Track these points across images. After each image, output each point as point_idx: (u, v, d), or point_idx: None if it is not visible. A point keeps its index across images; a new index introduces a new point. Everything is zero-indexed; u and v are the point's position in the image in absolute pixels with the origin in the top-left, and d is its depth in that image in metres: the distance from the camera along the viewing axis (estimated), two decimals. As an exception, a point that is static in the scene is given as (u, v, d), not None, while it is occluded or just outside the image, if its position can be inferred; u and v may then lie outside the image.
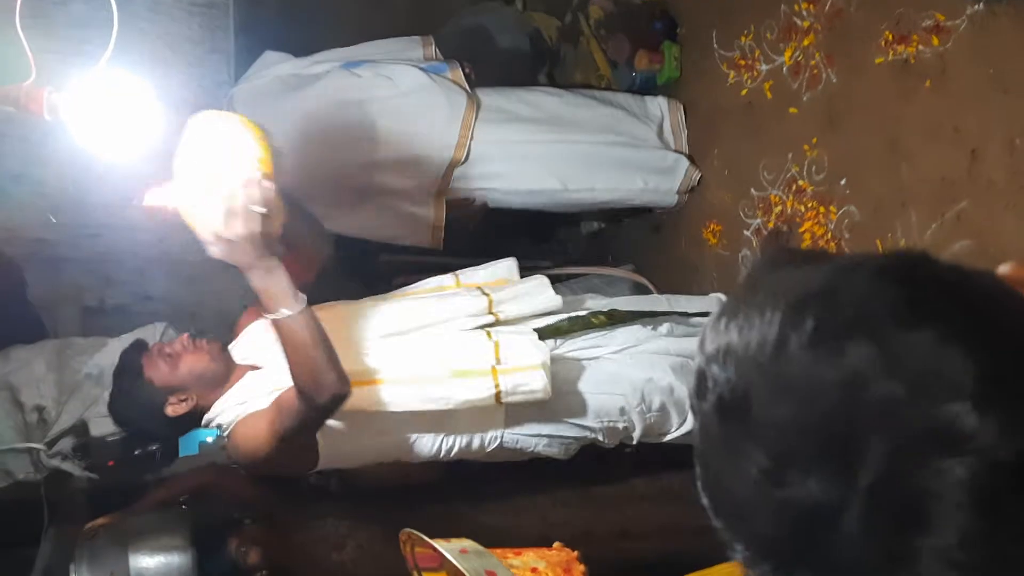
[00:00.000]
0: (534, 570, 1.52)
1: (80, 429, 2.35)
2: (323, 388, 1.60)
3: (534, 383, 1.88)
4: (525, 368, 1.88)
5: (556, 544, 1.60)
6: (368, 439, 1.91)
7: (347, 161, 2.54)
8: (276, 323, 1.56)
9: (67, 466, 2.32)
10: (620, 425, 2.08)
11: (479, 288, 2.04)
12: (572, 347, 2.07)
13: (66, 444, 2.35)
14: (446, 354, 1.89)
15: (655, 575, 2.15)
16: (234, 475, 2.53)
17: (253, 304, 1.94)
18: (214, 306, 2.33)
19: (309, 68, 2.62)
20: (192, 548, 1.94)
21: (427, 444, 1.98)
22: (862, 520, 0.50)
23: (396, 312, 1.97)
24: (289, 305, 1.55)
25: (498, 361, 1.88)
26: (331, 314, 1.84)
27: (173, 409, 1.82)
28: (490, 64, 3.07)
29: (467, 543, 1.51)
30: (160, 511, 2.10)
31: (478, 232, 2.75)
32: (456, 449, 1.99)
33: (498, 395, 1.88)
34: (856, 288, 0.54)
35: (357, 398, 1.72)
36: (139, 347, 1.88)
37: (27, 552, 2.30)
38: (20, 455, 2.32)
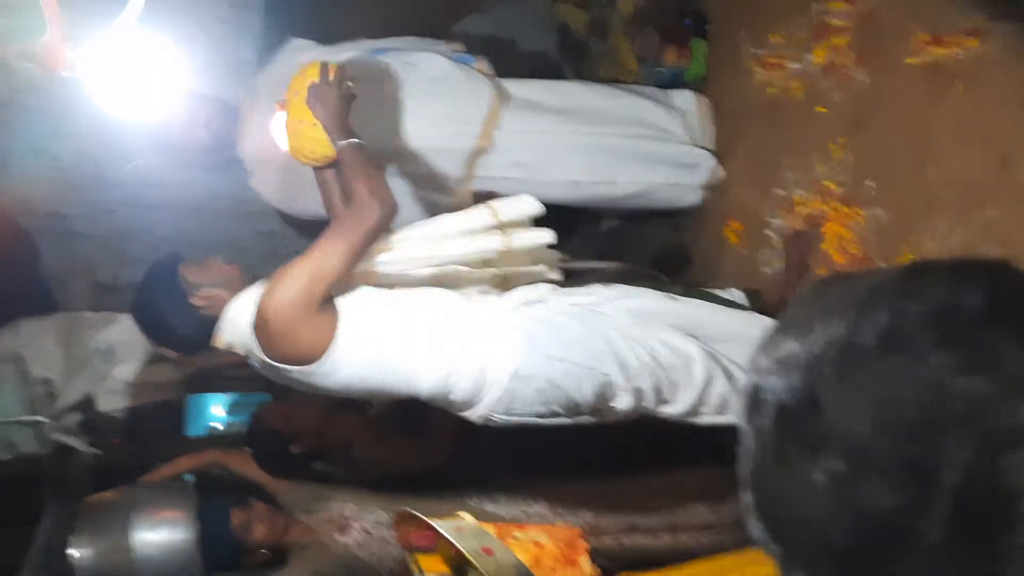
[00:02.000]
0: (538, 544, 1.50)
1: (87, 404, 2.34)
2: (382, 197, 1.86)
3: (528, 202, 2.10)
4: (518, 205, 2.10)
5: (560, 522, 1.57)
6: (385, 343, 1.86)
7: (370, 148, 2.52)
8: (345, 150, 1.93)
9: (72, 441, 2.30)
10: (631, 360, 1.99)
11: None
12: (573, 291, 2.12)
13: (72, 419, 2.34)
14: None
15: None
16: (239, 455, 2.52)
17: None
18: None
19: (334, 56, 2.60)
20: (195, 523, 1.92)
21: (441, 360, 1.89)
22: (946, 522, 0.48)
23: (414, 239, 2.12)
24: (353, 135, 1.97)
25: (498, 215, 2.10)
26: None
27: (199, 300, 1.89)
28: (516, 57, 3.05)
29: (465, 521, 1.48)
30: (163, 485, 2.08)
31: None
32: (472, 370, 1.89)
33: (497, 220, 2.06)
34: (932, 286, 0.52)
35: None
36: (174, 256, 2.01)
37: (28, 529, 2.28)
38: (25, 428, 2.31)
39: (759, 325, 2.22)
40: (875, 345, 0.51)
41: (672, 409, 2.10)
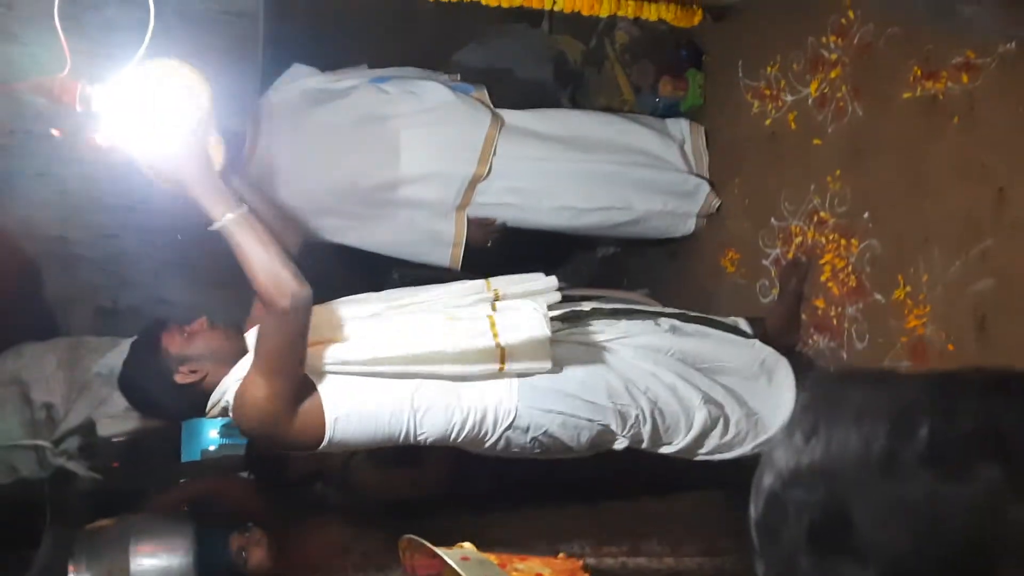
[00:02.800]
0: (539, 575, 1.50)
1: (87, 428, 2.35)
2: (283, 287, 1.66)
3: (532, 323, 1.87)
4: (522, 311, 1.90)
5: (561, 554, 1.58)
6: (375, 406, 1.86)
7: (370, 175, 2.55)
8: (224, 231, 1.65)
9: (72, 465, 2.31)
10: (632, 412, 2.02)
11: (485, 280, 2.09)
12: (575, 331, 2.08)
13: (72, 443, 2.35)
14: (443, 315, 1.92)
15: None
16: (237, 483, 2.53)
17: None
18: (229, 312, 2.32)
19: (336, 83, 2.63)
20: (193, 550, 1.93)
21: (439, 418, 1.92)
22: None
23: (398, 293, 2.03)
24: (232, 208, 1.65)
25: (494, 309, 1.92)
26: (330, 307, 1.93)
27: (182, 377, 1.85)
28: (513, 86, 3.09)
29: (468, 550, 1.49)
30: (161, 512, 2.08)
31: (494, 253, 2.74)
32: (470, 424, 1.93)
33: (496, 337, 1.86)
34: (972, 401, 0.52)
35: (351, 350, 1.81)
36: (159, 323, 1.94)
37: (27, 552, 2.28)
38: (26, 452, 2.31)
39: (760, 357, 2.25)
40: (915, 462, 0.50)
41: (669, 449, 2.13)
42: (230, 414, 1.87)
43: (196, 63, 2.76)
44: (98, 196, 2.74)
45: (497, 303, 1.99)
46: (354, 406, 1.84)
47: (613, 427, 2.03)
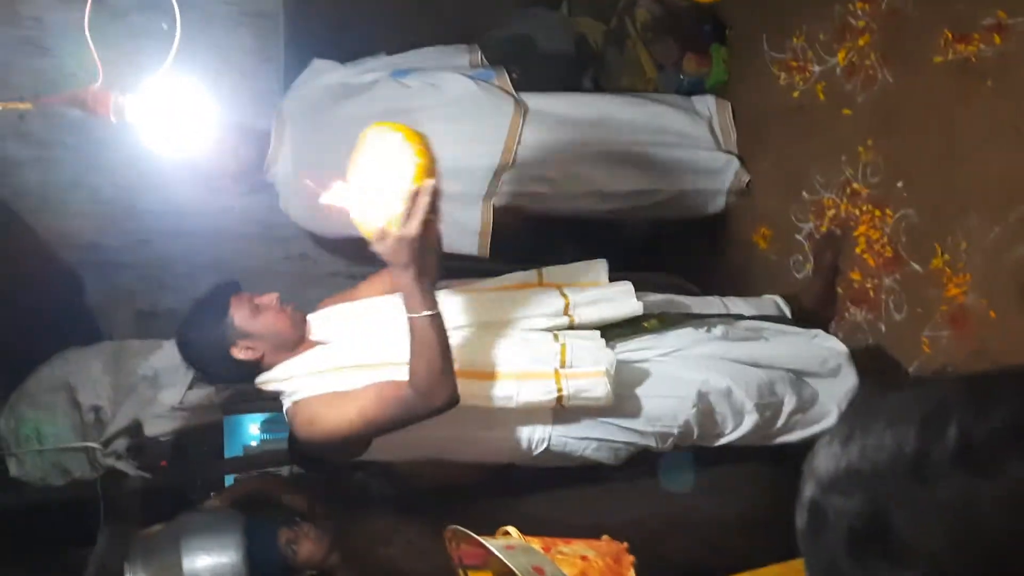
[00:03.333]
0: (583, 558, 1.51)
1: (135, 429, 2.40)
2: (438, 391, 1.71)
3: (597, 390, 1.90)
4: (590, 375, 1.90)
5: (605, 536, 1.59)
6: (417, 431, 1.90)
7: None
8: (413, 321, 1.68)
9: (122, 465, 2.36)
10: (674, 430, 2.04)
11: (558, 288, 2.04)
12: (623, 349, 2.04)
13: (121, 444, 2.40)
14: (512, 354, 1.91)
15: (703, 569, 2.14)
16: (282, 483, 2.57)
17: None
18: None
19: (358, 77, 2.63)
20: (243, 546, 1.96)
21: (474, 448, 1.97)
22: None
23: (471, 304, 1.98)
24: (430, 307, 1.67)
25: (563, 365, 1.90)
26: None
27: (240, 352, 1.86)
28: (535, 70, 3.07)
29: (513, 535, 1.50)
30: (212, 510, 2.12)
31: (523, 238, 2.74)
32: (506, 451, 1.98)
33: (560, 399, 1.89)
34: (1003, 400, 0.52)
35: None
36: (233, 285, 1.95)
37: (82, 551, 2.35)
38: (77, 454, 2.37)
39: (821, 356, 2.20)
40: (947, 461, 0.50)
41: (715, 443, 2.13)
42: (284, 402, 1.88)
43: (220, 66, 2.80)
44: (131, 203, 2.79)
45: (565, 336, 1.95)
46: (403, 435, 1.86)
47: (653, 445, 2.05)
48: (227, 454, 2.75)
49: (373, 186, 1.67)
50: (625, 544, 1.51)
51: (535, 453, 1.99)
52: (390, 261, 1.65)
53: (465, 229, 2.61)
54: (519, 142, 2.53)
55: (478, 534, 1.51)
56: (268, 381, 1.90)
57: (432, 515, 2.38)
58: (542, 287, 2.05)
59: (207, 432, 2.65)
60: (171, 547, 1.94)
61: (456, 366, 1.82)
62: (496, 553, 1.39)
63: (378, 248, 1.65)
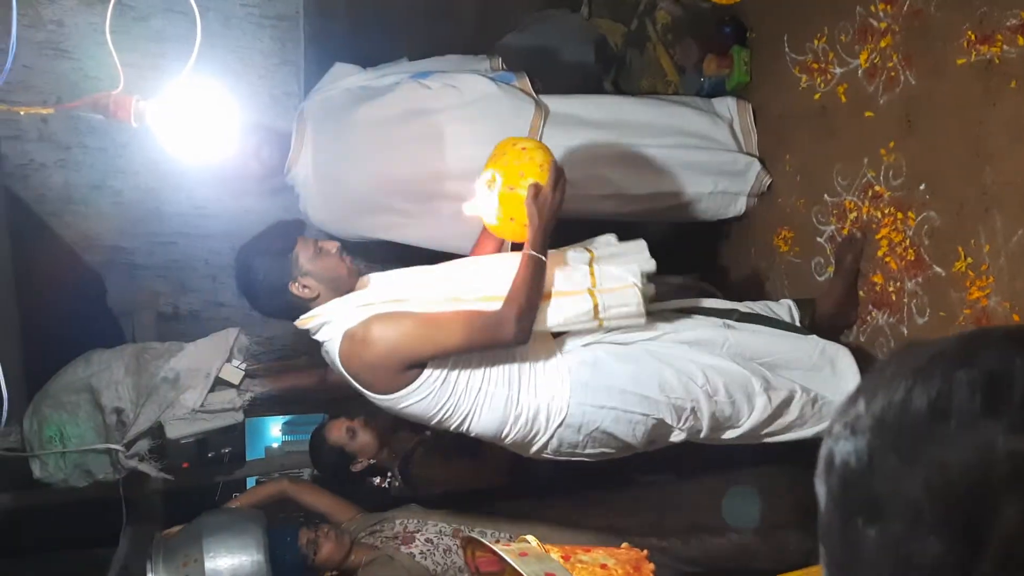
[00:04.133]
0: (603, 567, 1.51)
1: (157, 431, 2.41)
2: (521, 325, 1.85)
3: (628, 298, 1.99)
4: (620, 288, 2.00)
5: (624, 544, 1.59)
6: (455, 376, 1.91)
7: (415, 171, 2.56)
8: (532, 258, 1.88)
9: (144, 467, 2.37)
10: (687, 405, 2.03)
11: (583, 246, 2.13)
12: (639, 330, 2.08)
13: (143, 446, 2.41)
14: (548, 279, 2.00)
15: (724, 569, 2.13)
16: (305, 486, 2.58)
17: None
18: (267, 325, 2.38)
19: (379, 80, 2.64)
20: (265, 546, 1.97)
21: (497, 407, 1.95)
22: (995, 570, 0.50)
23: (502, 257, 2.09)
24: (543, 251, 1.91)
25: (594, 284, 2.00)
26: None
27: (297, 288, 1.92)
28: (555, 73, 3.06)
29: (530, 545, 1.50)
30: (234, 511, 2.13)
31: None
32: (523, 421, 1.96)
33: (596, 310, 1.97)
34: (985, 353, 0.54)
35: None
36: (299, 225, 2.05)
37: (106, 551, 2.36)
38: (100, 456, 2.39)
39: (819, 347, 2.21)
40: (926, 411, 0.53)
41: (730, 435, 2.12)
42: (332, 337, 1.90)
43: (240, 68, 2.82)
44: (153, 205, 2.81)
45: (597, 267, 2.05)
46: (446, 370, 1.90)
47: (668, 420, 2.03)
48: (249, 456, 2.75)
49: (516, 171, 1.92)
50: (645, 552, 1.50)
51: (554, 424, 1.98)
52: (537, 213, 1.88)
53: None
54: None
55: (492, 541, 1.51)
56: (315, 315, 1.92)
57: (453, 516, 2.39)
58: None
59: (229, 434, 2.66)
60: (193, 548, 1.95)
61: (498, 293, 1.91)
62: (510, 561, 1.39)
63: (530, 204, 1.88)
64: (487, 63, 2.75)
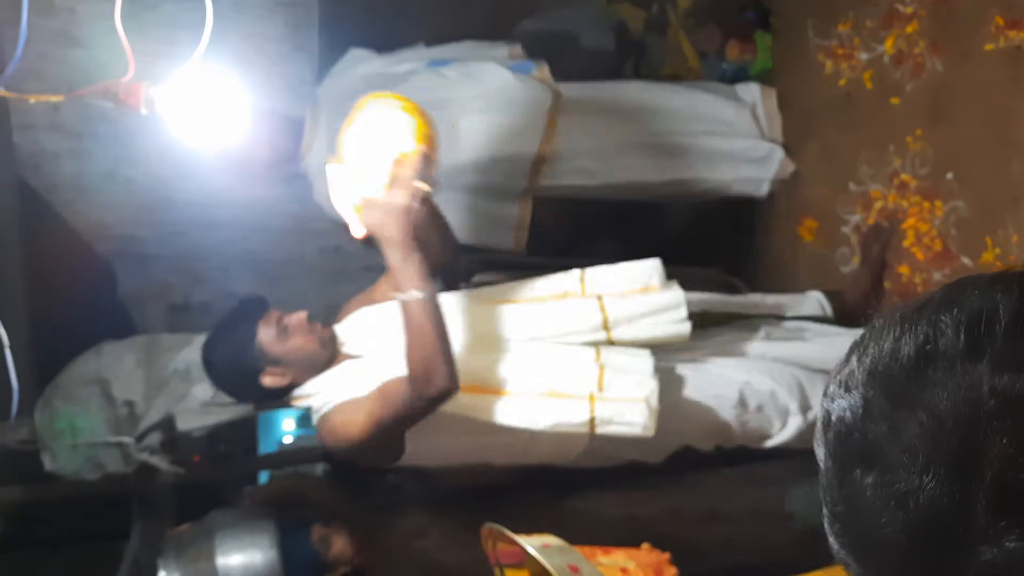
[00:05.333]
0: (624, 570, 1.47)
1: (167, 424, 2.39)
2: (434, 379, 1.62)
3: (634, 416, 1.79)
4: (627, 399, 1.80)
5: (645, 545, 1.55)
6: (454, 439, 1.87)
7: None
8: (404, 304, 1.59)
9: (155, 460, 2.36)
10: (715, 430, 2.00)
11: (599, 299, 1.90)
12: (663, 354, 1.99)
13: (154, 438, 2.39)
14: (545, 372, 1.82)
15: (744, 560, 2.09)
16: (315, 481, 2.55)
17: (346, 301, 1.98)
18: (297, 306, 2.35)
19: (395, 67, 2.59)
20: (277, 543, 1.95)
21: (503, 450, 1.94)
22: (990, 508, 0.50)
23: (501, 317, 1.90)
24: (421, 288, 1.58)
25: (600, 388, 1.80)
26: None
27: (270, 380, 1.79)
28: (574, 59, 3.01)
29: (550, 538, 1.47)
30: (246, 507, 2.11)
31: (561, 229, 2.70)
32: (544, 453, 1.95)
33: (592, 423, 1.81)
34: (969, 296, 0.55)
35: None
36: (260, 303, 1.87)
37: (116, 545, 2.35)
38: (111, 448, 2.37)
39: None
40: (914, 356, 0.54)
41: (761, 445, 2.08)
42: (313, 417, 1.87)
43: (253, 54, 2.78)
44: (165, 194, 2.78)
45: (607, 355, 1.85)
46: (432, 435, 1.82)
47: (695, 444, 2.00)
48: (261, 450, 2.73)
49: (366, 156, 1.58)
50: (667, 554, 1.46)
51: (573, 456, 1.95)
52: (376, 234, 1.55)
53: (501, 223, 2.56)
54: (558, 133, 2.48)
55: (515, 533, 1.48)
56: (299, 398, 1.87)
57: (466, 509, 2.36)
58: (582, 298, 1.93)
59: (241, 427, 2.64)
60: (205, 545, 1.92)
61: (478, 383, 1.78)
62: (531, 552, 1.36)
63: (365, 220, 1.56)
64: (506, 50, 2.70)
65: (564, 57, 2.72)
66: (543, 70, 2.56)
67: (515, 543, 1.48)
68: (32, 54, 2.51)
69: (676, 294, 1.91)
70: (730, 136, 2.61)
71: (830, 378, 0.60)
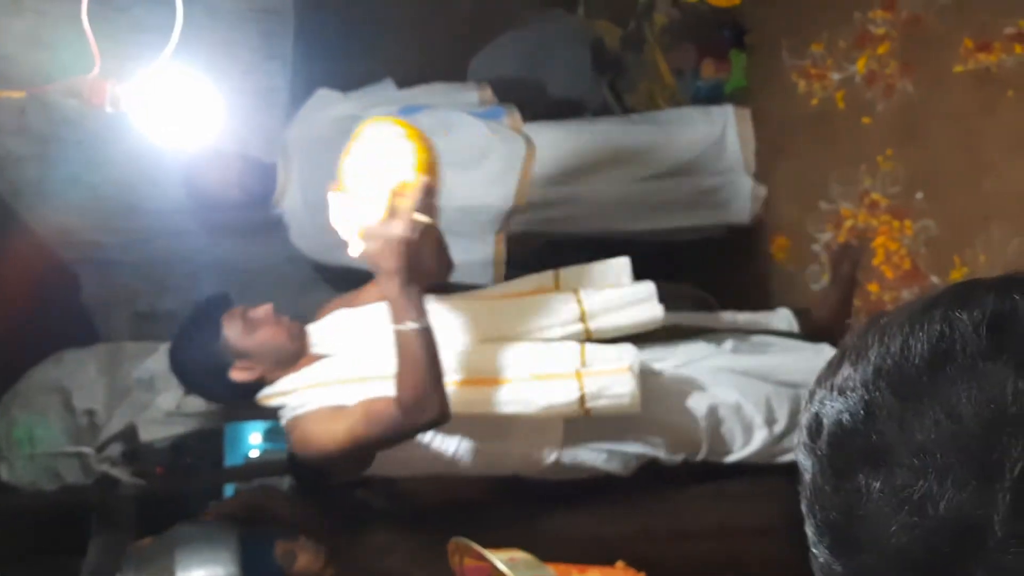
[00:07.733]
0: (598, 587, 1.46)
1: (129, 434, 2.35)
2: (424, 408, 1.62)
3: (621, 387, 1.79)
4: (612, 372, 1.80)
5: (619, 563, 1.54)
6: (422, 447, 1.84)
7: None
8: (399, 334, 1.58)
9: (116, 471, 2.30)
10: (683, 442, 1.99)
11: (574, 293, 1.93)
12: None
13: (115, 449, 2.34)
14: (527, 357, 1.82)
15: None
16: (282, 497, 2.51)
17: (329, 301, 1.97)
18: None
19: (365, 111, 2.54)
20: (238, 558, 1.90)
21: (481, 459, 1.92)
22: (1010, 513, 0.48)
23: (479, 314, 1.89)
24: (417, 319, 1.57)
25: (583, 364, 1.81)
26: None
27: (238, 374, 1.77)
28: (550, 76, 3.01)
29: (518, 553, 1.45)
30: (207, 522, 2.06)
31: (538, 254, 2.67)
32: (511, 463, 1.92)
33: (583, 399, 1.80)
34: (984, 296, 0.53)
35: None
36: (223, 300, 1.84)
37: (72, 559, 2.28)
38: (70, 459, 2.31)
39: (818, 359, 2.17)
40: (928, 354, 0.52)
41: (726, 459, 2.07)
42: (283, 417, 1.83)
43: (226, 62, 2.74)
44: (132, 201, 2.73)
45: (588, 345, 1.85)
46: (405, 451, 1.79)
47: (662, 456, 2.00)
48: (227, 462, 2.68)
49: (366, 184, 1.55)
50: (643, 573, 1.45)
51: (545, 464, 1.92)
52: (373, 265, 1.55)
53: (477, 263, 2.53)
54: (531, 183, 2.45)
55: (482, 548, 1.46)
56: (269, 396, 1.83)
57: (435, 528, 2.33)
58: (557, 292, 1.96)
59: (206, 439, 2.59)
60: (165, 558, 1.87)
61: (464, 375, 1.76)
62: (499, 566, 1.34)
63: (360, 249, 1.54)
64: (475, 94, 2.67)
65: (540, 74, 2.71)
66: (514, 116, 2.52)
67: (483, 558, 1.46)
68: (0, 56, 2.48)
69: (647, 286, 1.95)
70: (701, 175, 2.61)
71: (814, 386, 0.59)
